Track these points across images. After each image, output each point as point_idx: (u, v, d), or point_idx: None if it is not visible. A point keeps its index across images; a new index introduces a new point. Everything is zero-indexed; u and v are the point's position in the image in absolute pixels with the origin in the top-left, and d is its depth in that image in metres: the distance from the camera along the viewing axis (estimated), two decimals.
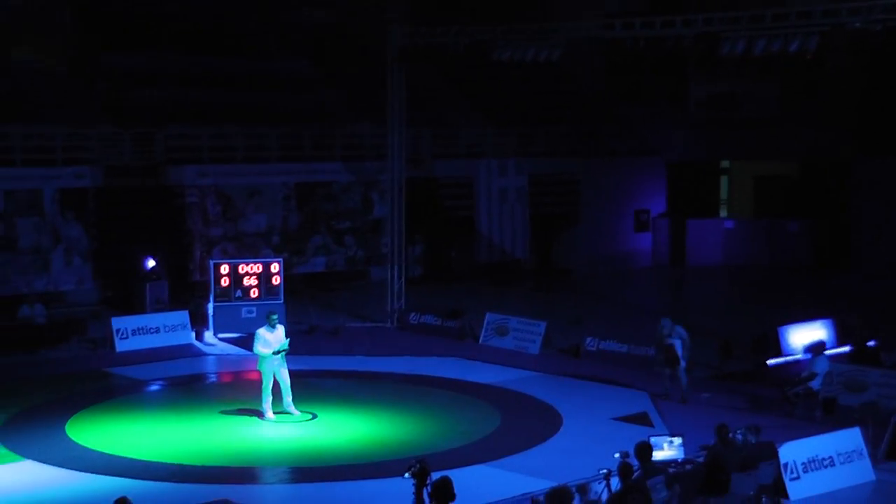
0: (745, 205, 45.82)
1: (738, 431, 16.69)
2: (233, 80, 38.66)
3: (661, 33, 26.25)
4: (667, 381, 23.13)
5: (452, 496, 12.00)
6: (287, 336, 21.87)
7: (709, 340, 27.31)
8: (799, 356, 25.44)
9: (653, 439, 15.89)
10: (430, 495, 12.32)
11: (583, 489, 15.38)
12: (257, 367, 21.82)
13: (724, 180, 46.97)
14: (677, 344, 22.96)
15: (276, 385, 21.67)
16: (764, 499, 15.46)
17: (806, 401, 21.90)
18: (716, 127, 43.42)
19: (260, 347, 21.60)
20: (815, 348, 23.01)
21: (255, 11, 41.64)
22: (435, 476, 13.56)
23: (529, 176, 40.38)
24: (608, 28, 27.63)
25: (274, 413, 21.68)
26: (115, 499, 12.62)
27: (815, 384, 21.95)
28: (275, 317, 22.01)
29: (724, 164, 46.58)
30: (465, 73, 42.51)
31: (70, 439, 20.55)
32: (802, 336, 26.30)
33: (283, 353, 21.60)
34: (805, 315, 28.06)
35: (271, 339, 21.61)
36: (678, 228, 43.25)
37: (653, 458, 15.13)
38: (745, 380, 24.61)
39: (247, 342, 27.99)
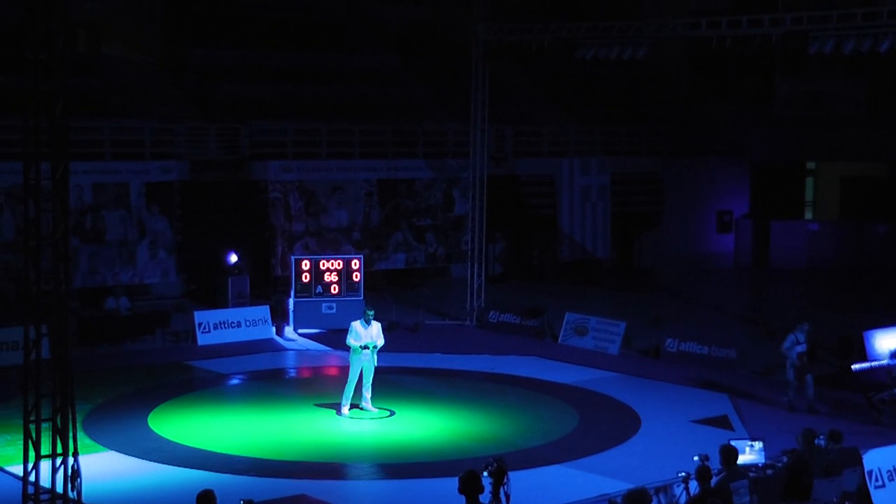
0: (831, 206, 45.18)
1: (821, 437, 16.44)
2: (319, 75, 38.88)
3: (748, 32, 25.97)
4: (793, 392, 22.52)
5: (481, 489, 12.18)
6: (385, 331, 21.93)
7: None
8: (885, 361, 24.98)
9: (733, 443, 15.70)
10: (460, 490, 12.44)
11: (661, 492, 15.27)
12: (349, 360, 21.88)
13: (809, 182, 46.35)
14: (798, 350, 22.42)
15: (358, 381, 21.71)
16: None
17: (892, 407, 21.52)
18: (802, 127, 42.84)
19: (351, 340, 21.63)
20: None
21: (342, 6, 41.83)
22: (512, 476, 13.53)
23: (612, 174, 40.13)
24: (694, 27, 27.39)
25: (350, 408, 21.75)
26: (197, 491, 12.67)
27: None
28: (371, 312, 21.94)
29: (810, 165, 45.97)
30: (549, 71, 42.39)
31: (152, 431, 20.80)
32: (888, 341, 25.81)
33: (375, 349, 21.63)
34: (892, 319, 27.57)
35: (364, 333, 21.62)
36: (761, 230, 42.74)
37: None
38: (828, 384, 24.26)
39: (326, 338, 28.20)
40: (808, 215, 45.67)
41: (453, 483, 15.82)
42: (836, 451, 16.19)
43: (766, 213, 43.14)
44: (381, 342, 21.76)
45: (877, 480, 16.82)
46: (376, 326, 21.82)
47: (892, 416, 21.37)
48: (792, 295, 38.30)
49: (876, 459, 16.93)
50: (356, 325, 21.73)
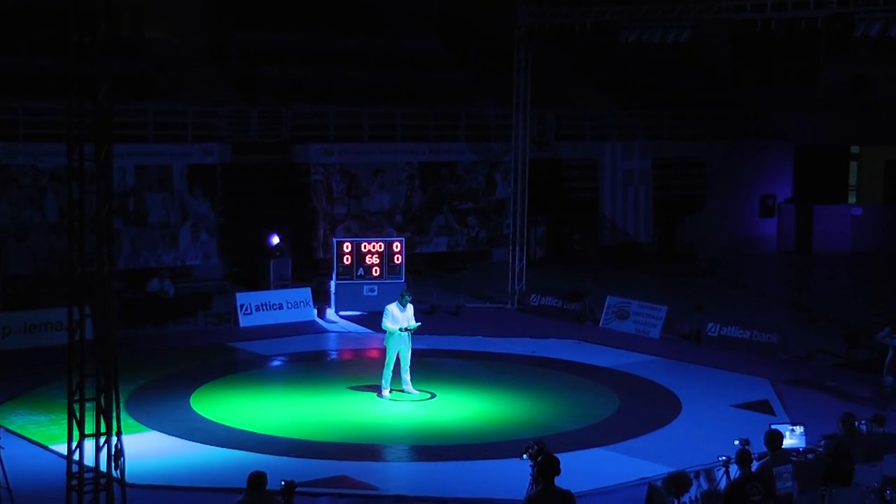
0: (876, 191, 44.80)
1: (863, 421, 16.35)
2: (361, 58, 38.89)
3: (793, 14, 25.77)
4: (886, 390, 21.83)
5: (558, 471, 12.10)
6: (417, 319, 21.95)
7: (835, 328, 26.88)
8: None
9: (774, 427, 15.64)
10: (536, 474, 12.33)
11: (701, 475, 15.24)
12: (384, 343, 21.94)
13: (853, 166, 45.98)
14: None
15: (396, 364, 21.79)
16: (888, 492, 15.11)
17: None
18: (847, 111, 42.47)
19: (388, 323, 21.69)
20: None
21: None
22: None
23: (654, 158, 39.97)
24: (738, 9, 27.20)
25: (391, 391, 21.82)
26: (238, 471, 12.78)
27: None
28: (409, 296, 22.02)
29: (854, 149, 45.59)
30: (591, 54, 42.23)
31: (194, 411, 20.96)
32: None
33: (410, 332, 21.68)
34: None
35: (400, 316, 21.68)
36: (805, 214, 42.45)
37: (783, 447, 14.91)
38: (871, 369, 24.08)
39: (367, 320, 28.28)
40: (852, 200, 45.31)
41: (493, 465, 15.85)
42: (879, 436, 16.09)
43: (809, 198, 42.83)
44: (415, 323, 21.80)
45: None
46: (411, 309, 21.89)
47: None
48: (835, 280, 38.09)
49: None
50: (392, 307, 21.77)
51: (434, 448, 19.19)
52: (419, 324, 21.93)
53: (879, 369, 23.51)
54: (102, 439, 13.81)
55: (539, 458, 12.47)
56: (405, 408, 21.52)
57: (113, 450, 13.82)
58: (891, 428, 16.76)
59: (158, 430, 19.60)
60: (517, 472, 15.18)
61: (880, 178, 44.72)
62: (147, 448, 18.39)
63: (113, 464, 13.84)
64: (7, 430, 19.22)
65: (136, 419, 19.90)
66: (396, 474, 18.40)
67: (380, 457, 19.13)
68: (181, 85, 35.35)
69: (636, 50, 34.74)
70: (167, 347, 26.10)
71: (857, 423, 16.12)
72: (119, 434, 13.89)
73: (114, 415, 13.83)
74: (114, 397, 13.82)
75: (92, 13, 13.62)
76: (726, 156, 41.57)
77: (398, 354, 21.71)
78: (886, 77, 42.46)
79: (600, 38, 31.67)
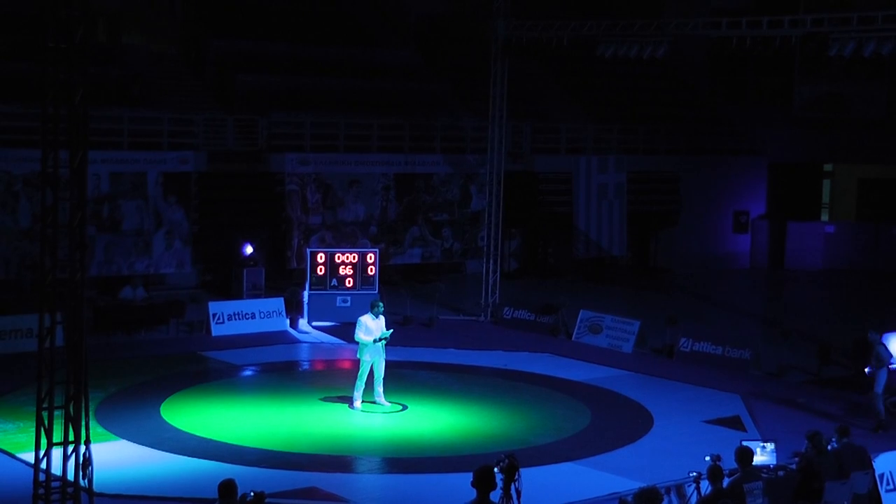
0: (848, 208, 45.05)
1: (833, 440, 16.41)
2: (338, 68, 38.88)
3: (768, 33, 25.93)
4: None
5: (494, 485, 12.14)
6: (389, 327, 21.91)
7: (807, 345, 26.97)
8: None
9: (745, 444, 15.68)
10: (473, 483, 12.34)
11: (672, 491, 15.25)
12: (357, 355, 21.88)
13: (826, 183, 46.24)
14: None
15: (369, 375, 21.72)
16: None
17: None
18: (820, 128, 42.72)
19: (361, 334, 21.61)
20: None
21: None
22: (523, 472, 13.53)
23: (629, 173, 40.07)
24: (714, 26, 27.34)
25: (363, 402, 21.76)
26: (207, 481, 12.71)
27: None
28: (381, 305, 22.00)
29: (827, 167, 45.86)
30: (568, 68, 42.35)
31: (164, 421, 20.83)
32: None
33: (384, 342, 21.64)
34: None
35: (373, 327, 21.60)
36: (778, 231, 42.65)
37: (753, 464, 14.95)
38: (843, 386, 24.21)
39: (340, 331, 28.21)
40: (825, 217, 45.57)
41: (464, 478, 15.76)
42: (845, 448, 16.16)
43: (782, 214, 43.05)
44: (387, 331, 21.74)
45: (888, 484, 16.79)
46: (383, 319, 21.82)
47: None
48: (807, 297, 38.24)
49: (887, 463, 16.89)
50: (365, 318, 21.68)
51: (405, 460, 19.15)
52: (391, 331, 21.87)
53: (851, 386, 23.62)
54: (71, 448, 13.72)
55: (478, 470, 12.46)
56: (377, 419, 21.46)
57: (81, 459, 13.73)
58: (854, 440, 16.81)
59: (128, 439, 19.46)
60: None
61: (853, 196, 44.97)
62: (116, 457, 18.24)
63: (81, 473, 13.75)
64: None
65: (106, 428, 19.78)
66: (367, 486, 18.33)
67: (350, 468, 19.06)
68: (157, 92, 35.26)
69: (612, 64, 34.85)
70: (138, 355, 25.97)
71: (829, 442, 16.18)
72: (88, 443, 13.80)
73: (83, 423, 13.75)
74: (83, 405, 13.74)
75: (69, 19, 13.58)
76: (700, 171, 41.73)
77: (371, 366, 21.64)
78: (859, 96, 42.76)
79: (577, 53, 31.73)
